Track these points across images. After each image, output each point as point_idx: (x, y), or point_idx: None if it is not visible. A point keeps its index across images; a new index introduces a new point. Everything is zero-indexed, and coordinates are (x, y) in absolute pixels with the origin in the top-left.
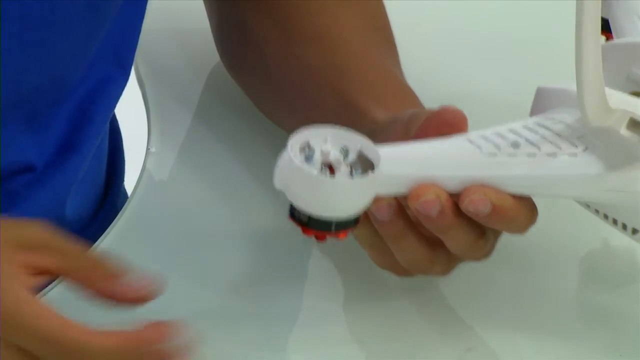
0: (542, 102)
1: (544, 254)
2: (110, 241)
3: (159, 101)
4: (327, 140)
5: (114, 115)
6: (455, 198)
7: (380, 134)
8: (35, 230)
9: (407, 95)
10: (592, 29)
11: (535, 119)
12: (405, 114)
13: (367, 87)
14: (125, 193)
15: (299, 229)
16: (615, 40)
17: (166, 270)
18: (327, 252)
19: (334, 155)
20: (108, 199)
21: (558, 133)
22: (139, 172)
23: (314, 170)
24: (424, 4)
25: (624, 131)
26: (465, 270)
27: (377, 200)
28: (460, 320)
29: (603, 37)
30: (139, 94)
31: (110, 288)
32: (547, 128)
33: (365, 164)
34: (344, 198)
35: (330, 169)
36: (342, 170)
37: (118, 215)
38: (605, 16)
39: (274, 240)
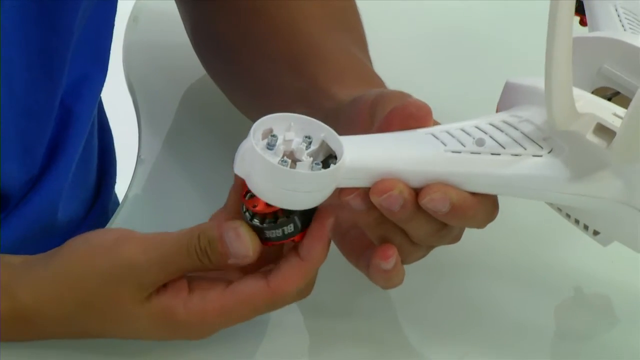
0: (510, 96)
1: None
2: None
3: (149, 109)
4: (291, 127)
5: (104, 114)
6: (417, 191)
7: (343, 113)
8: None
9: (370, 75)
10: (564, 34)
11: (501, 115)
12: (369, 93)
13: (327, 68)
14: (117, 199)
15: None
16: (589, 34)
17: None
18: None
19: (297, 143)
20: (99, 201)
21: (524, 133)
22: (130, 179)
23: (275, 159)
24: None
25: (590, 136)
26: (461, 277)
27: (348, 191)
28: (456, 325)
29: (577, 18)
30: (130, 101)
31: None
32: (513, 127)
33: (327, 154)
34: (303, 190)
35: (292, 158)
36: (304, 160)
37: (109, 222)
38: None
39: None
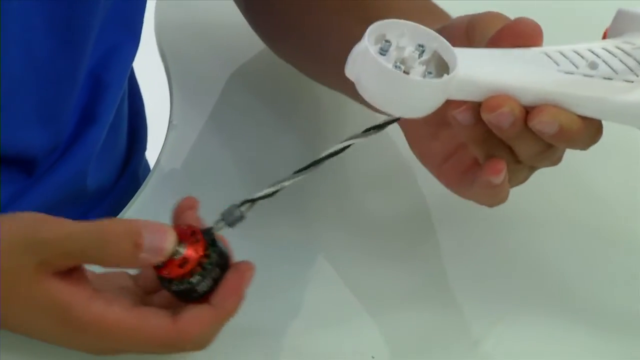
0: (621, 24)
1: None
2: (132, 213)
3: (181, 74)
4: (404, 34)
5: (134, 78)
6: (526, 110)
7: None
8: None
9: (445, 14)
10: None
11: (614, 41)
12: (460, 19)
13: (397, 11)
14: (148, 165)
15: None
16: None
17: None
18: (335, 246)
19: (410, 51)
20: (129, 167)
21: (637, 60)
22: (161, 145)
23: (388, 64)
24: None
25: None
26: (472, 266)
27: (457, 104)
28: (467, 313)
29: None
30: (162, 67)
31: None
32: (626, 53)
33: (439, 65)
34: (415, 97)
35: (405, 65)
36: (417, 68)
37: (141, 187)
38: None
39: (295, 205)
